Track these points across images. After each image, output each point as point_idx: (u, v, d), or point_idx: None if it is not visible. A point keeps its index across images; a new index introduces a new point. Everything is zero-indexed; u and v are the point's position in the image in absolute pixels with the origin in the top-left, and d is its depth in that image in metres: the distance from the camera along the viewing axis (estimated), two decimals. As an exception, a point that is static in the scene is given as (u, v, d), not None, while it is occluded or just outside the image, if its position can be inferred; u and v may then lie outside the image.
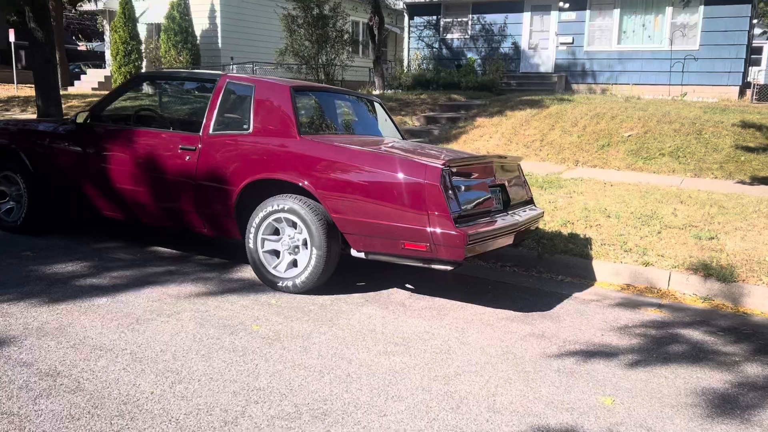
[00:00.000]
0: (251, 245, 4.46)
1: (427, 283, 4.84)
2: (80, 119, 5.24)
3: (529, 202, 5.17)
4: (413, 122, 13.08)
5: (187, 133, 4.80)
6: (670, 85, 16.39)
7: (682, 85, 16.40)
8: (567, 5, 17.23)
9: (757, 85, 16.52)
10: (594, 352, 3.65)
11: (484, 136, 11.31)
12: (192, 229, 4.87)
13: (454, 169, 4.06)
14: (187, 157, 4.65)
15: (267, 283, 4.46)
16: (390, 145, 4.74)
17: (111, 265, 4.80)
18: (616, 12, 16.89)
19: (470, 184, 4.26)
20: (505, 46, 18.30)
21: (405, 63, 19.23)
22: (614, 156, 10.16)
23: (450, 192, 3.92)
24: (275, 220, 4.37)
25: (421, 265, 4.09)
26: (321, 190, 4.17)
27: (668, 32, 16.49)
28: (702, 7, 16.08)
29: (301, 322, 3.84)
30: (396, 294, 4.53)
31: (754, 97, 16.49)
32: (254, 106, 4.57)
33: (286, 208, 4.29)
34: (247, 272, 4.85)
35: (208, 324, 3.74)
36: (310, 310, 4.07)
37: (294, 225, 4.36)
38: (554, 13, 17.55)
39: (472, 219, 4.10)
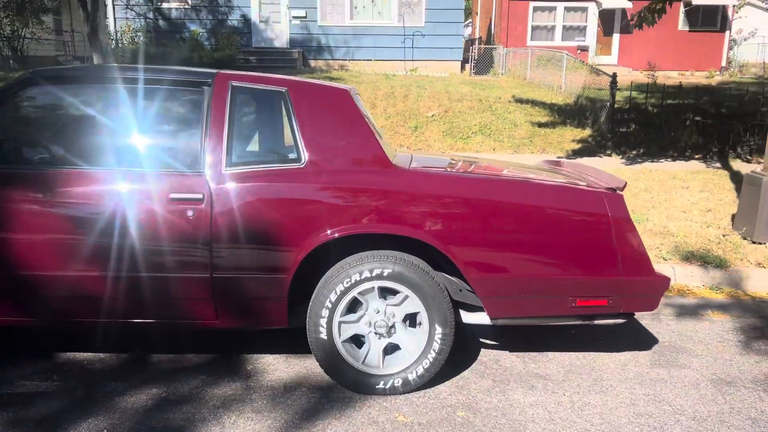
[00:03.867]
0: (323, 335, 2.90)
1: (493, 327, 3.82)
2: None
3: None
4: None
5: (176, 173, 2.87)
6: (404, 60, 16.90)
7: (413, 60, 17.05)
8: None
9: (474, 59, 18.09)
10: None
11: (288, 124, 10.05)
12: (190, 324, 2.99)
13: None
14: (190, 213, 2.79)
15: (353, 386, 2.95)
16: (502, 165, 3.54)
17: (34, 414, 2.70)
18: (348, -14, 16.71)
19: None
20: (234, 19, 16.74)
21: (113, 37, 16.23)
22: (433, 138, 9.92)
23: (632, 224, 3.02)
24: (362, 292, 2.91)
25: (577, 323, 3.12)
26: (451, 243, 2.85)
27: (396, 8, 16.88)
28: (425, -15, 16.83)
29: (497, 447, 2.59)
30: (502, 359, 3.42)
31: (473, 70, 18.05)
32: (300, 124, 2.90)
33: (385, 274, 2.86)
34: (282, 369, 3.21)
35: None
36: (468, 423, 2.79)
37: (384, 295, 2.96)
38: (285, -15, 16.60)
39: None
